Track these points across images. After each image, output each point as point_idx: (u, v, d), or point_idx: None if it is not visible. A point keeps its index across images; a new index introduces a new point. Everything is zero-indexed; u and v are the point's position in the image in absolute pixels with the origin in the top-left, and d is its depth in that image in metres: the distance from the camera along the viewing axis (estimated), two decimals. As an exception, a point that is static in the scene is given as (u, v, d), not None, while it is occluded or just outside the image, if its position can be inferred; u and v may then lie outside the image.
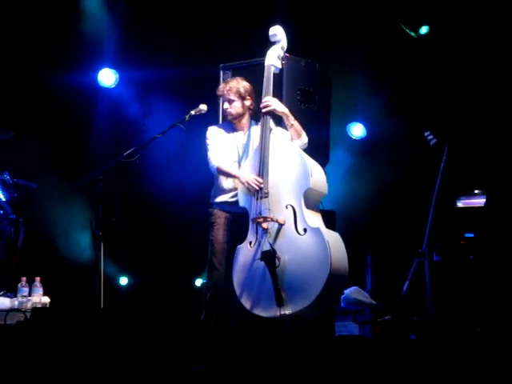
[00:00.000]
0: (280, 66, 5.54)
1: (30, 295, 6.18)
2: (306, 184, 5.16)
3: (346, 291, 7.04)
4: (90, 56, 7.74)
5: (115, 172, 6.19)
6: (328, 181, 5.43)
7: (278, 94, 5.65)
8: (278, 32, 5.54)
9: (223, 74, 5.99)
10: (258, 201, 5.21)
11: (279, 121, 5.50)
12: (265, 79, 5.46)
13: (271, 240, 5.12)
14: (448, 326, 6.18)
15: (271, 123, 5.41)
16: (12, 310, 5.85)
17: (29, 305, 6.09)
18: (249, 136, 5.58)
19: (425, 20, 7.54)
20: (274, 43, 5.55)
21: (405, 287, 6.34)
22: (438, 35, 7.50)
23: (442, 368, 4.76)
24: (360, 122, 8.17)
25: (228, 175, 5.50)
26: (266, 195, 5.20)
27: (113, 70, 7.94)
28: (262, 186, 5.22)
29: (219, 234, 5.51)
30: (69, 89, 7.55)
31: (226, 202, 5.53)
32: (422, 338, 6.04)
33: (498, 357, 4.86)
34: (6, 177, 6.72)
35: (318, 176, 5.24)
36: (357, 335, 6.68)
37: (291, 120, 5.43)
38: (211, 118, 5.74)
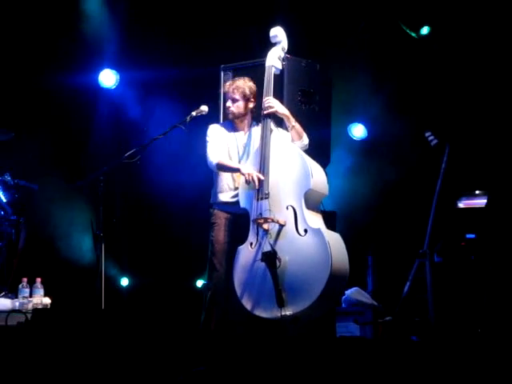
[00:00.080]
0: (280, 67, 5.54)
1: (30, 296, 6.19)
2: (306, 185, 5.16)
3: (347, 292, 7.04)
4: (91, 57, 7.75)
5: (116, 173, 6.21)
6: (329, 181, 5.42)
7: (278, 94, 5.65)
8: (278, 33, 5.54)
9: (224, 74, 5.99)
10: (259, 202, 5.21)
11: (280, 122, 5.50)
12: (265, 80, 5.46)
13: (272, 241, 5.12)
14: (449, 327, 6.17)
15: (272, 124, 5.41)
16: (13, 311, 5.86)
17: (30, 306, 6.09)
18: (249, 136, 5.58)
19: (426, 20, 7.53)
20: (274, 44, 5.55)
21: (406, 288, 6.34)
22: (438, 36, 7.50)
23: (443, 369, 4.76)
24: (361, 122, 8.17)
25: (228, 169, 5.49)
26: (267, 196, 5.19)
27: (113, 71, 7.94)
28: (262, 179, 5.20)
29: (220, 234, 5.51)
30: (69, 89, 7.56)
31: (226, 203, 5.52)
32: (423, 338, 6.04)
33: (498, 357, 4.86)
34: (7, 178, 6.72)
35: (318, 177, 5.24)
36: (358, 336, 6.68)
37: (292, 122, 5.42)
38: (212, 118, 5.74)
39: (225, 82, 5.91)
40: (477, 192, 6.64)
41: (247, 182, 5.26)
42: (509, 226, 6.36)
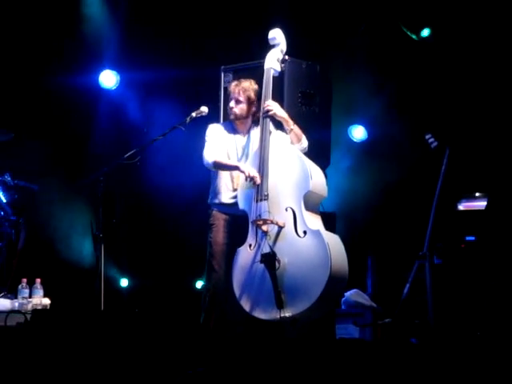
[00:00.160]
0: (279, 69, 5.54)
1: (30, 297, 6.20)
2: (305, 187, 5.16)
3: (347, 294, 7.04)
4: (91, 58, 7.75)
5: (116, 174, 6.20)
6: (328, 183, 5.42)
7: (278, 96, 5.65)
8: (277, 35, 5.53)
9: (224, 75, 5.99)
10: (258, 203, 5.20)
11: (279, 124, 5.49)
12: (264, 82, 5.45)
13: (271, 242, 5.12)
14: (449, 329, 6.17)
15: (271, 126, 5.41)
16: (12, 311, 5.86)
17: (29, 306, 6.10)
18: (248, 138, 5.58)
19: (426, 22, 7.53)
20: (273, 46, 5.55)
21: (405, 290, 6.33)
22: (439, 38, 7.50)
23: (442, 371, 4.76)
24: (361, 124, 8.16)
25: (226, 168, 5.48)
26: (266, 197, 5.19)
27: (114, 72, 7.95)
28: (262, 179, 5.21)
29: (218, 235, 5.51)
30: (70, 90, 7.56)
31: (224, 204, 5.52)
32: (423, 341, 6.03)
33: (498, 360, 4.86)
34: (7, 178, 6.72)
35: (317, 179, 5.24)
36: (357, 338, 6.68)
37: (291, 124, 5.42)
38: (212, 119, 5.74)
39: (225, 83, 5.91)
40: (477, 194, 6.64)
41: (246, 178, 5.25)
42: (509, 228, 6.36)
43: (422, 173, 7.24)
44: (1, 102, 7.35)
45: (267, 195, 5.19)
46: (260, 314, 5.11)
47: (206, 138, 5.57)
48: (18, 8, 7.39)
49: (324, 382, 4.75)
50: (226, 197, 5.52)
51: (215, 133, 5.59)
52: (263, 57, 5.55)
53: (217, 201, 5.55)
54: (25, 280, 6.23)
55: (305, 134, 5.50)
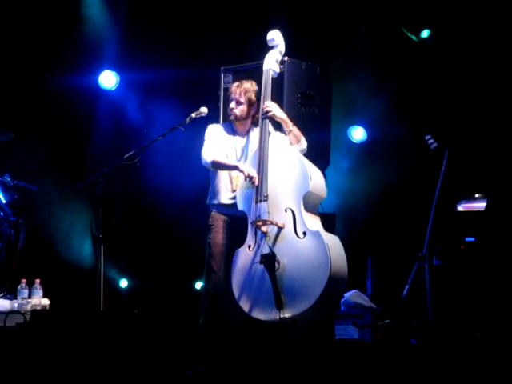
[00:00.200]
0: (278, 70, 5.54)
1: (29, 297, 6.20)
2: (305, 187, 5.15)
3: (346, 295, 7.03)
4: (91, 58, 7.75)
5: (115, 174, 6.20)
6: (328, 184, 5.42)
7: (278, 96, 5.65)
8: (275, 36, 5.54)
9: (224, 76, 5.99)
10: (258, 204, 5.20)
11: (278, 125, 5.49)
12: (263, 83, 5.45)
13: (270, 243, 5.11)
14: (448, 330, 6.17)
15: (270, 127, 5.41)
16: (12, 312, 5.86)
17: (28, 307, 6.10)
18: (248, 139, 5.58)
19: (426, 23, 7.53)
20: (271, 48, 5.55)
21: (405, 291, 6.33)
22: (439, 39, 7.50)
23: (442, 372, 4.75)
24: (361, 125, 8.16)
25: (225, 167, 5.48)
26: (266, 198, 5.19)
27: (114, 73, 7.94)
28: (258, 180, 5.21)
29: (217, 236, 5.50)
30: (69, 91, 7.56)
31: (223, 205, 5.52)
32: (422, 341, 6.03)
33: (497, 361, 4.86)
34: (7, 179, 6.72)
35: (317, 179, 5.23)
36: (357, 339, 6.68)
37: (290, 126, 5.42)
38: (211, 120, 5.74)
39: (225, 83, 5.92)
40: (476, 195, 6.64)
41: (246, 178, 5.25)
42: (508, 229, 6.36)
43: (422, 174, 7.24)
44: (1, 102, 7.35)
45: (267, 196, 5.19)
46: (259, 315, 5.11)
47: (205, 138, 5.57)
48: (17, 8, 7.38)
49: (323, 383, 4.74)
50: (224, 197, 5.52)
51: (214, 133, 5.59)
52: (263, 58, 5.54)
53: (216, 201, 5.55)
54: (24, 280, 6.23)
55: (304, 135, 5.50)
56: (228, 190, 5.52)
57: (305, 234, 5.08)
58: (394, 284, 6.90)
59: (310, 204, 5.19)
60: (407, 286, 6.33)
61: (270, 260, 5.07)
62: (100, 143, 7.82)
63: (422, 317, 6.25)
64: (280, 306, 4.99)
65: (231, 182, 5.51)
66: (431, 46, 7.52)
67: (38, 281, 6.26)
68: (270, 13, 7.35)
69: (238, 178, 5.42)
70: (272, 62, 5.49)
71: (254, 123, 5.57)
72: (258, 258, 5.13)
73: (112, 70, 7.93)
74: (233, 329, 5.42)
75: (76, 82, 7.60)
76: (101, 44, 7.73)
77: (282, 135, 5.45)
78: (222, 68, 6.03)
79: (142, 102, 7.95)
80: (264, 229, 5.15)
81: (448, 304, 6.33)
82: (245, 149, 5.56)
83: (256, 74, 5.64)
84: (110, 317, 5.30)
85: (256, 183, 5.21)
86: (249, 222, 5.26)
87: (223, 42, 7.53)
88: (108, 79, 7.94)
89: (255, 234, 5.21)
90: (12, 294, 6.31)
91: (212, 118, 5.77)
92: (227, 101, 5.67)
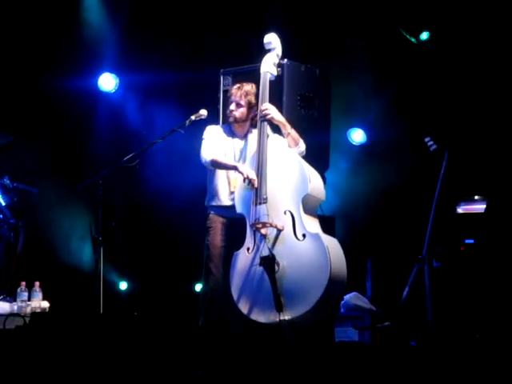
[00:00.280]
0: (276, 73, 5.54)
1: (29, 300, 6.20)
2: (304, 190, 5.15)
3: (346, 297, 7.03)
4: (91, 61, 7.75)
5: (115, 177, 6.20)
6: (328, 186, 5.42)
7: (277, 99, 5.66)
8: (272, 40, 5.54)
9: (223, 79, 5.99)
10: (257, 206, 5.20)
11: (276, 128, 5.49)
12: (261, 86, 5.46)
13: (270, 245, 5.12)
14: (448, 332, 6.17)
15: (268, 129, 5.41)
16: (11, 314, 5.86)
17: (28, 309, 6.10)
18: (246, 141, 5.58)
19: (425, 25, 7.54)
20: (269, 51, 5.55)
21: (404, 293, 6.33)
22: (438, 41, 7.50)
23: (441, 374, 4.75)
24: (360, 127, 8.17)
25: (224, 167, 5.47)
26: (265, 201, 5.19)
27: (113, 75, 7.94)
28: (257, 183, 5.21)
29: (216, 238, 5.50)
30: (69, 93, 7.56)
31: (221, 206, 5.51)
32: (422, 343, 6.03)
33: (497, 363, 4.86)
34: (6, 181, 6.72)
35: (316, 182, 5.24)
36: (356, 341, 6.67)
37: (288, 128, 5.42)
38: (211, 122, 5.74)
39: (224, 86, 5.92)
40: (476, 197, 6.64)
41: (244, 180, 5.25)
42: (508, 231, 6.36)
43: (421, 176, 7.24)
44: (1, 104, 7.35)
45: (266, 198, 5.19)
46: (258, 317, 5.11)
47: (204, 137, 5.57)
48: (17, 11, 7.38)
49: (323, 385, 4.75)
50: (222, 200, 5.52)
51: (213, 133, 5.59)
52: (262, 60, 5.55)
53: (213, 203, 5.55)
54: (24, 283, 6.23)
55: (304, 137, 5.50)
56: (226, 192, 5.51)
57: (304, 236, 5.08)
58: (393, 286, 6.89)
59: (309, 206, 5.19)
60: (407, 288, 6.33)
61: (269, 262, 5.06)
62: (99, 145, 7.81)
63: (421, 319, 6.25)
64: (280, 309, 4.99)
65: (229, 183, 5.50)
66: (430, 48, 7.52)
67: (37, 283, 6.25)
68: (270, 15, 7.35)
69: (236, 180, 5.42)
70: (269, 65, 5.49)
71: (253, 125, 5.58)
72: (257, 261, 5.13)
73: (111, 72, 7.93)
74: (232, 331, 5.42)
75: (76, 85, 7.60)
76: (100, 46, 7.72)
77: (281, 138, 5.45)
78: (222, 70, 6.03)
79: (141, 105, 7.95)
80: (263, 231, 5.15)
81: (448, 306, 6.33)
82: (243, 151, 5.56)
83: (255, 77, 5.64)
84: (110, 319, 5.31)
85: (255, 185, 5.21)
86: (248, 224, 5.26)
87: (223, 44, 7.53)
88: (107, 82, 7.94)
89: (254, 236, 5.21)
90: (11, 297, 6.31)
91: (211, 120, 5.77)
92: (227, 103, 5.67)
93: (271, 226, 5.14)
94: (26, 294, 6.20)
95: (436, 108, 7.47)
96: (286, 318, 4.99)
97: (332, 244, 5.10)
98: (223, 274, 5.39)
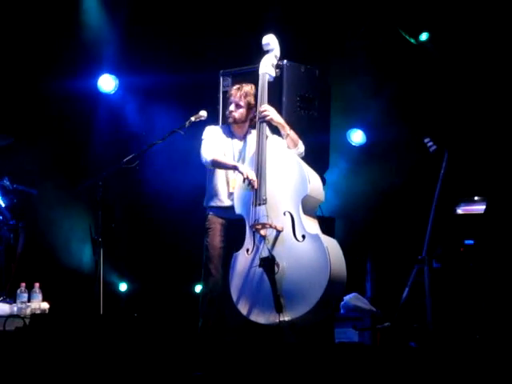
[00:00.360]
0: (274, 74, 5.54)
1: (29, 301, 6.19)
2: (303, 191, 5.16)
3: (346, 298, 7.03)
4: (90, 62, 7.75)
5: (115, 178, 6.20)
6: (327, 187, 5.43)
7: (277, 100, 5.67)
8: (270, 41, 5.54)
9: (223, 80, 5.99)
10: (256, 207, 5.20)
11: (275, 129, 5.50)
12: (259, 87, 5.46)
13: (269, 246, 5.12)
14: (447, 333, 6.17)
15: (267, 131, 5.41)
16: (11, 315, 5.85)
17: (28, 311, 6.09)
18: (245, 142, 5.58)
19: (425, 26, 7.54)
20: (267, 52, 5.55)
21: (404, 294, 6.33)
22: (437, 42, 7.51)
23: (441, 375, 4.75)
24: (360, 128, 8.17)
25: (224, 166, 5.47)
26: (264, 202, 5.19)
27: (113, 76, 7.94)
28: (256, 184, 5.20)
29: (215, 239, 5.50)
30: (69, 95, 7.56)
31: (220, 207, 5.52)
32: (422, 344, 6.03)
33: (497, 364, 4.86)
34: (6, 182, 6.72)
35: (315, 183, 5.24)
36: (356, 342, 6.67)
37: (287, 130, 5.42)
38: (211, 123, 5.74)
39: (224, 87, 5.92)
40: (475, 198, 6.63)
41: (244, 180, 5.25)
42: (507, 232, 6.36)
43: (421, 177, 7.24)
44: (1, 106, 7.35)
45: (265, 199, 5.19)
46: (258, 318, 5.11)
47: (204, 137, 5.58)
48: (17, 13, 7.39)
49: (323, 386, 4.74)
50: (221, 200, 5.52)
51: (213, 133, 5.60)
52: (260, 62, 5.55)
53: (212, 204, 5.55)
54: (23, 284, 6.22)
55: (303, 138, 5.50)
56: (225, 192, 5.51)
57: (304, 237, 5.08)
58: (393, 287, 6.89)
59: (309, 207, 5.19)
60: (407, 289, 6.33)
61: (269, 263, 5.07)
62: (99, 147, 7.82)
63: (421, 320, 6.25)
64: (279, 310, 4.99)
65: (228, 184, 5.51)
66: (430, 49, 7.52)
67: (37, 284, 6.25)
68: (270, 16, 7.36)
69: (235, 181, 5.43)
70: (268, 66, 5.49)
71: (252, 126, 5.58)
72: (256, 262, 5.13)
73: (111, 73, 7.93)
74: (232, 332, 5.42)
75: (75, 86, 7.60)
76: (100, 48, 7.73)
77: (280, 139, 5.46)
78: (221, 71, 6.03)
79: (141, 106, 7.95)
80: (263, 232, 5.15)
81: (447, 307, 6.33)
82: (242, 151, 5.56)
83: (255, 77, 5.64)
84: (110, 320, 5.30)
85: (255, 186, 5.21)
86: (247, 225, 5.26)
87: (222, 45, 7.53)
88: (107, 83, 7.94)
89: (254, 237, 5.21)
90: (11, 298, 6.31)
91: (211, 120, 5.77)
92: (226, 104, 5.67)
93: (271, 227, 5.14)
94: (25, 295, 6.19)
95: (435, 109, 7.47)
96: (286, 318, 4.99)
97: (332, 245, 5.10)
98: (223, 275, 5.39)
